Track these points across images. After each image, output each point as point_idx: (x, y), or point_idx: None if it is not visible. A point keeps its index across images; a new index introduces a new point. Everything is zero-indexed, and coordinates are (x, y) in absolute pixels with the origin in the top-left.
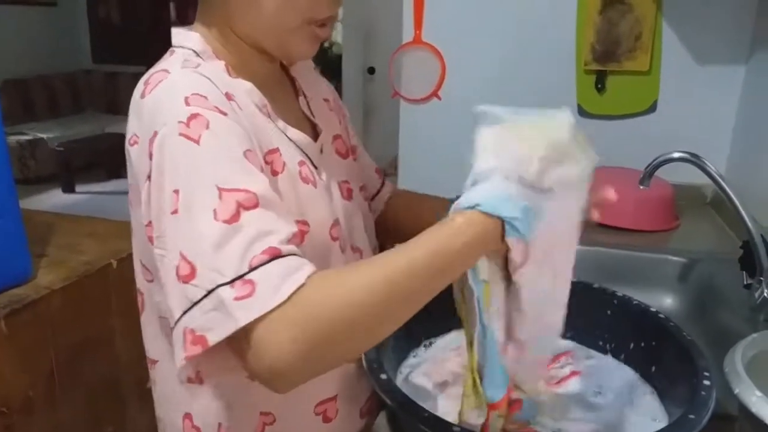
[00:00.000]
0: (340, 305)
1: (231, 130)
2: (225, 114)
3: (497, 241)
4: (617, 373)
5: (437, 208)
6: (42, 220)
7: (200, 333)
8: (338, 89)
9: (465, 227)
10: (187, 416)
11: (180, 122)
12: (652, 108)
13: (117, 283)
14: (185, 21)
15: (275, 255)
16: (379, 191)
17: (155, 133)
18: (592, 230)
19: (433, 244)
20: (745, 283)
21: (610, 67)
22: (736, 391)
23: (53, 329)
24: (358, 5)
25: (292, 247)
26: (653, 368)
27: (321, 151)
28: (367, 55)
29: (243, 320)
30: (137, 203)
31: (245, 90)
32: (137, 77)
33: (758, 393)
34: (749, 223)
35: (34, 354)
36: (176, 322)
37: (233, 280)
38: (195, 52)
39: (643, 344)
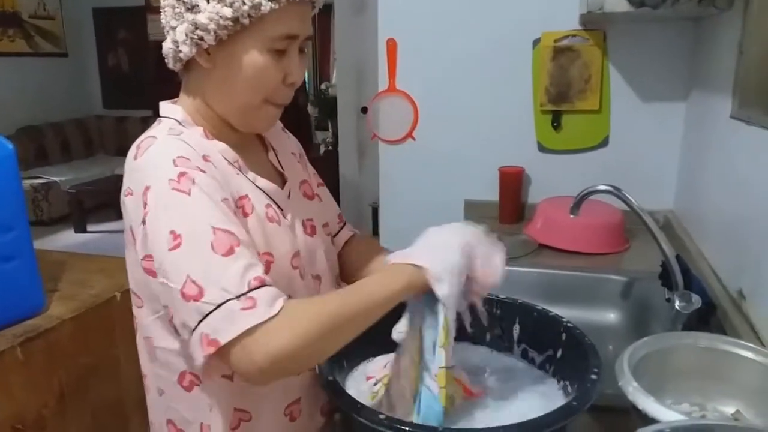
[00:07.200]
0: (313, 322)
1: (210, 184)
2: (204, 172)
3: (423, 283)
4: (531, 374)
5: (381, 259)
6: (56, 259)
7: (213, 336)
8: (335, 127)
9: (401, 273)
10: (170, 421)
11: (171, 179)
12: (605, 142)
13: (121, 314)
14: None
15: (263, 283)
16: (338, 233)
17: (147, 187)
18: (548, 254)
19: (377, 287)
20: (666, 297)
21: (563, 107)
22: (620, 383)
23: (63, 355)
24: (351, 50)
25: (270, 280)
26: (563, 368)
27: (288, 196)
28: (361, 96)
29: (249, 324)
30: (131, 243)
31: (219, 150)
32: (145, 120)
33: (635, 384)
34: (663, 246)
35: (46, 377)
36: (192, 331)
37: (239, 296)
38: (178, 121)
39: (557, 349)
